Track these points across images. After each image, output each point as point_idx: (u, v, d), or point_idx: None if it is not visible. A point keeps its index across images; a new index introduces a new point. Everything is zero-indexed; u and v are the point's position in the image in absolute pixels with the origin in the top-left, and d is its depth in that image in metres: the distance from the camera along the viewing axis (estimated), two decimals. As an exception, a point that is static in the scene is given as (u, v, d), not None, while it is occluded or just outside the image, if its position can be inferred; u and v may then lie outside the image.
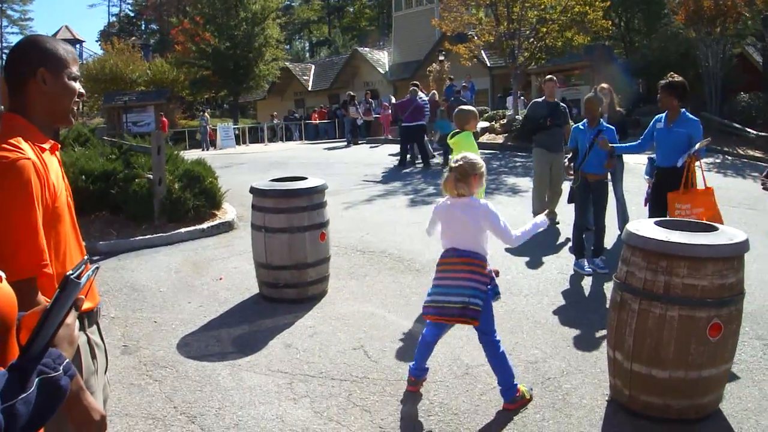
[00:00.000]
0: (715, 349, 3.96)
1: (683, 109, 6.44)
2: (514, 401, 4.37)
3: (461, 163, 4.30)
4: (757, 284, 6.81)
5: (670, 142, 6.40)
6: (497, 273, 7.35)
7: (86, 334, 2.39)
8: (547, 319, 6.08)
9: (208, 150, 27.12)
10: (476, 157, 4.43)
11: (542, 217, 4.60)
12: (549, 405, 4.44)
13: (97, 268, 1.70)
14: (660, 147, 6.59)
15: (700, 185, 6.41)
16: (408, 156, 17.61)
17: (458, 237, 4.36)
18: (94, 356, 2.42)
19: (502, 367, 4.36)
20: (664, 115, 6.54)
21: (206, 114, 32.15)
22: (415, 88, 17.24)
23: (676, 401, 4.06)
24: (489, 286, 4.31)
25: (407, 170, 16.81)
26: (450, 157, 5.93)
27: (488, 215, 4.27)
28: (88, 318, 2.43)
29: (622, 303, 4.19)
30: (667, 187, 6.33)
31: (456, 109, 7.38)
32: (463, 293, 4.17)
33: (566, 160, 8.29)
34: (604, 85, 8.96)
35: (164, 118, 30.68)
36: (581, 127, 7.52)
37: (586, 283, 7.19)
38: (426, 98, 17.93)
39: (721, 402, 4.34)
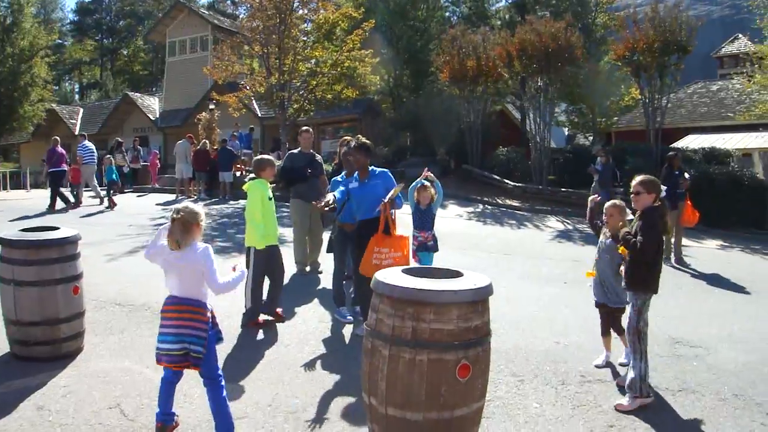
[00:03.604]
0: (465, 389, 4.07)
1: (371, 167, 7.14)
2: None
3: (183, 214, 4.36)
4: (511, 324, 7.18)
5: (369, 196, 6.96)
6: (282, 319, 7.39)
7: None
8: (307, 368, 6.11)
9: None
10: (196, 206, 4.49)
11: (240, 269, 4.68)
12: (310, 455, 4.40)
13: None
14: (361, 203, 7.08)
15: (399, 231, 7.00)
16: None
17: (180, 284, 4.40)
18: None
19: (221, 412, 4.43)
20: (355, 174, 7.21)
21: None
22: (57, 138, 19.69)
23: (432, 442, 4.11)
24: (210, 332, 4.43)
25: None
26: None
27: (205, 259, 4.38)
28: None
29: (373, 350, 4.20)
30: (368, 236, 6.76)
31: (255, 158, 7.61)
32: (183, 340, 4.29)
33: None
34: (347, 137, 9.30)
35: None
36: (339, 179, 7.63)
37: (347, 330, 7.30)
38: (89, 145, 20.69)
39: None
